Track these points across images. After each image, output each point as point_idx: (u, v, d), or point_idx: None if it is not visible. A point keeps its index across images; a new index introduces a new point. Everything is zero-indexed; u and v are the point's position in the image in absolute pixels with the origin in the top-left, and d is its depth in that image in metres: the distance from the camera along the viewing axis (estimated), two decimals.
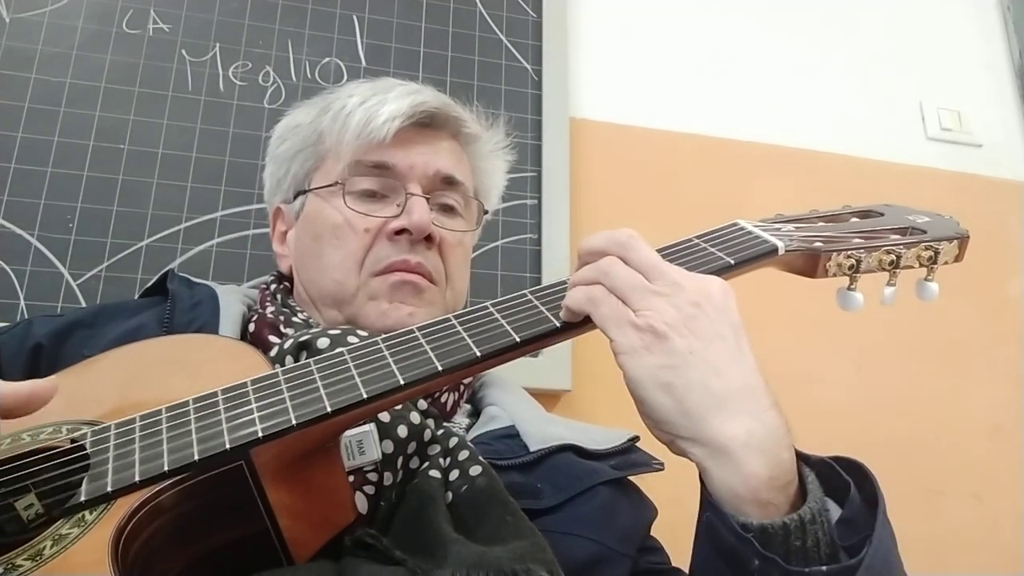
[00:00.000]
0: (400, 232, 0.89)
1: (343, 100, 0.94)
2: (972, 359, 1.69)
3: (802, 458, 0.63)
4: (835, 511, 0.61)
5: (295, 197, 0.97)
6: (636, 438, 0.91)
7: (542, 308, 0.68)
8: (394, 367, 0.64)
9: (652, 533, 0.89)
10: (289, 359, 0.78)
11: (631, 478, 0.88)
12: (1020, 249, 1.76)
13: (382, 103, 0.92)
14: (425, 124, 0.95)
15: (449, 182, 0.96)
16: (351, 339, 0.78)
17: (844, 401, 1.60)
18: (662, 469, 0.89)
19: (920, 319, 1.61)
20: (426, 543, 0.66)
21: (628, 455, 0.89)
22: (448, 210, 0.96)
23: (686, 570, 0.77)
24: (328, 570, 0.62)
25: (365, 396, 0.62)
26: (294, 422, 0.60)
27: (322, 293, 0.91)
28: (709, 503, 0.61)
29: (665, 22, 1.79)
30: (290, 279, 1.00)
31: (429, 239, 0.91)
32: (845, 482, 0.63)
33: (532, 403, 0.98)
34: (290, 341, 0.80)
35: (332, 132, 0.93)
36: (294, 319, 0.89)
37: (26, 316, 1.22)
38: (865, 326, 1.56)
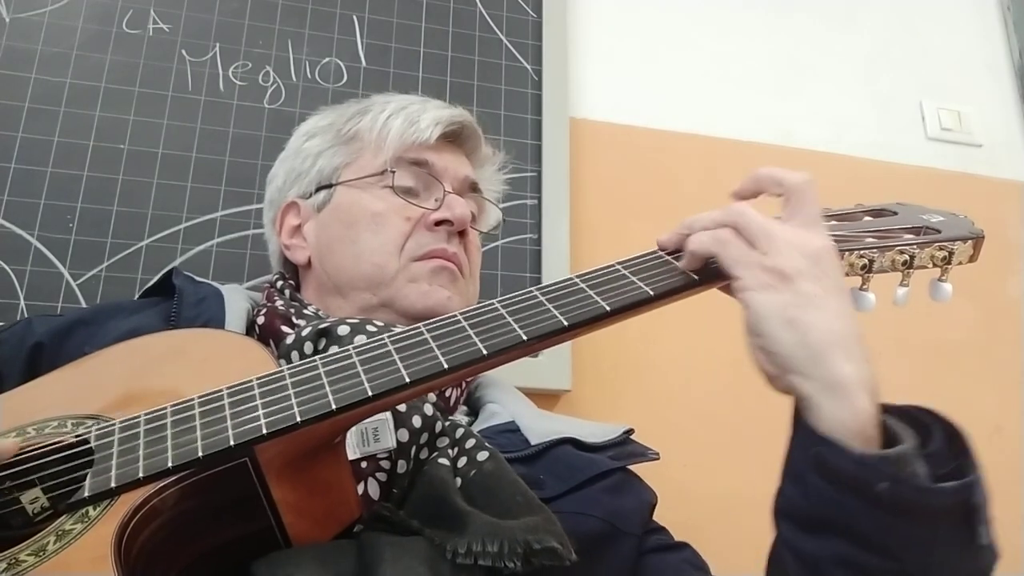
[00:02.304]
0: (440, 223, 0.95)
1: (381, 105, 1.01)
2: (972, 359, 1.69)
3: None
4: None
5: (316, 191, 1.00)
6: (631, 431, 0.94)
7: (549, 306, 0.68)
8: (400, 365, 0.64)
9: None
10: (308, 345, 0.81)
11: (629, 467, 0.90)
12: (1020, 249, 1.76)
13: (422, 110, 0.99)
14: (454, 136, 1.02)
15: (474, 188, 1.03)
16: (370, 328, 0.82)
17: None
18: (658, 458, 0.91)
19: (920, 319, 1.61)
20: (441, 516, 0.68)
21: (624, 447, 0.91)
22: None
23: (693, 544, 0.84)
24: (346, 546, 0.63)
25: (370, 394, 0.61)
26: (298, 419, 0.60)
27: (355, 277, 0.94)
28: (818, 437, 0.62)
29: (665, 22, 1.79)
30: (295, 276, 1.02)
31: (462, 234, 0.97)
32: (924, 423, 0.66)
33: (527, 401, 1.01)
34: (308, 328, 0.83)
35: (372, 131, 0.98)
36: (305, 312, 0.91)
37: (26, 316, 1.21)
38: (866, 326, 1.56)
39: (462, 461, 0.77)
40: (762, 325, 0.65)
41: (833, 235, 0.76)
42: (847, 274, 0.74)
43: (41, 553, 0.53)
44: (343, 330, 0.82)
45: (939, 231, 0.77)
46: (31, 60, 1.34)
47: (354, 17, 1.53)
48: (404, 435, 0.76)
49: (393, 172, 0.96)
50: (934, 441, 0.64)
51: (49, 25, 1.37)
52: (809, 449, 0.63)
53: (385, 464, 0.75)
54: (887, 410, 0.65)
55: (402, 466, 0.76)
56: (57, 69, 1.34)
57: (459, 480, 0.75)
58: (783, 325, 0.64)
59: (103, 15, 1.40)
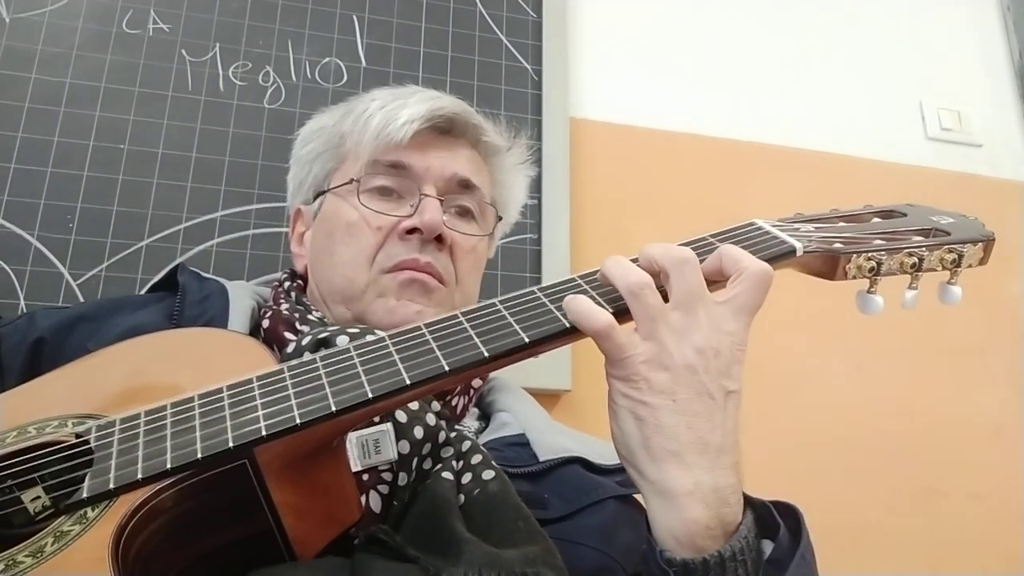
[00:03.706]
0: (411, 232, 0.90)
1: (365, 103, 0.96)
2: (972, 359, 1.69)
3: (746, 501, 0.65)
4: (770, 550, 0.63)
5: (314, 198, 0.99)
6: None
7: (552, 307, 0.67)
8: (400, 366, 0.63)
9: None
10: (307, 356, 0.78)
11: (635, 496, 0.88)
12: (1020, 249, 1.76)
13: (402, 107, 0.93)
14: (445, 130, 0.96)
15: (465, 186, 0.96)
16: (369, 338, 0.78)
17: (844, 401, 1.60)
18: None
19: (920, 319, 1.60)
20: (439, 542, 0.66)
21: None
22: (463, 214, 0.97)
23: None
24: (340, 566, 0.62)
25: (370, 396, 0.61)
26: (298, 421, 0.59)
27: (332, 289, 0.92)
28: (646, 534, 0.64)
29: (665, 22, 1.79)
30: (304, 278, 1.00)
31: (440, 240, 0.91)
32: (772, 524, 0.64)
33: (540, 410, 0.98)
34: (308, 338, 0.80)
35: (352, 133, 0.95)
36: (309, 316, 0.88)
37: (28, 311, 1.21)
38: (866, 326, 1.55)
39: (467, 477, 0.75)
40: (613, 414, 0.65)
41: (842, 236, 0.74)
42: (854, 277, 0.72)
43: (39, 554, 0.53)
44: (342, 340, 0.79)
45: (949, 233, 0.75)
46: (31, 60, 1.34)
47: (354, 17, 1.53)
48: (405, 447, 0.74)
49: (358, 181, 0.92)
50: (778, 546, 0.63)
51: (49, 25, 1.37)
52: (645, 541, 0.64)
53: (387, 476, 0.73)
54: (752, 504, 0.64)
55: (403, 478, 0.74)
56: (57, 69, 1.35)
57: (462, 497, 0.73)
58: (631, 419, 0.63)
59: (103, 15, 1.40)
